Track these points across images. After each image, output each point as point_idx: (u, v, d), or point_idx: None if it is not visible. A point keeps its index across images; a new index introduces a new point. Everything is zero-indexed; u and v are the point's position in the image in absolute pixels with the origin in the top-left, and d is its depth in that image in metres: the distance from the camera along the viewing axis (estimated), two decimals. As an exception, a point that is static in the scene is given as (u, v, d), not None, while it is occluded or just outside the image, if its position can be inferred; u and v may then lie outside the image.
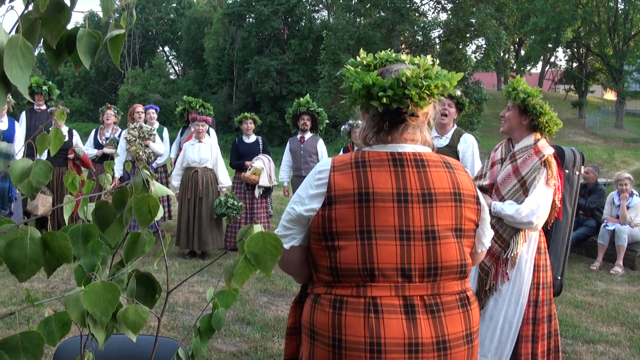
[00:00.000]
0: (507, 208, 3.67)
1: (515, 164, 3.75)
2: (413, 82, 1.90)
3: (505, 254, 3.71)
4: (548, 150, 3.72)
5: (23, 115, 8.76)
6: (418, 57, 2.05)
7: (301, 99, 8.38)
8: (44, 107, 8.87)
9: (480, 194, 2.12)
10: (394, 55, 2.12)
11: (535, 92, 3.75)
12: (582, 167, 3.82)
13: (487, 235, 2.18)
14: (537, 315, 3.72)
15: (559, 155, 3.83)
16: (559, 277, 3.86)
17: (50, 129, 1.13)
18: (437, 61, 2.06)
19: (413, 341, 1.87)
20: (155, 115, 9.67)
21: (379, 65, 2.10)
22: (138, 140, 8.58)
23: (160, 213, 1.07)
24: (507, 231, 3.71)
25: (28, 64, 0.90)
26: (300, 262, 2.11)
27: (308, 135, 8.29)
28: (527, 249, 3.73)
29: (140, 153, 8.54)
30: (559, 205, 3.73)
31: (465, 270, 2.03)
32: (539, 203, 3.62)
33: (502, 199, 3.76)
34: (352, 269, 1.91)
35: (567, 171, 3.79)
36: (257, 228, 1.10)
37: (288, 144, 8.46)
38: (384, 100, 1.92)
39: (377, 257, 1.90)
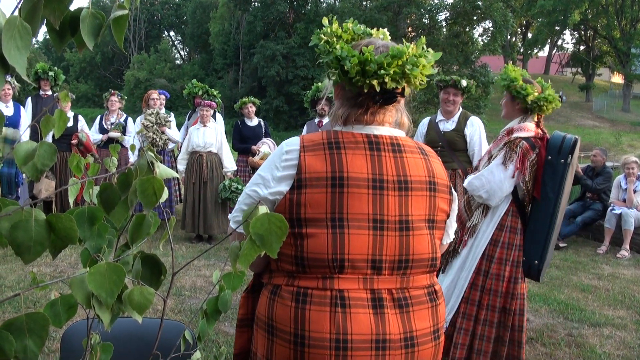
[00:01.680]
0: (466, 179, 3.95)
1: (493, 144, 4.02)
2: (412, 62, 1.77)
3: (469, 223, 3.96)
4: (521, 134, 3.85)
5: (29, 100, 8.78)
6: (381, 30, 1.94)
7: (319, 83, 8.33)
8: (49, 92, 8.88)
9: (451, 185, 2.04)
10: (361, 28, 1.95)
11: (516, 75, 3.92)
12: (571, 155, 3.75)
13: (452, 227, 2.09)
14: (485, 284, 3.94)
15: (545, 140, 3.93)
16: (536, 262, 3.86)
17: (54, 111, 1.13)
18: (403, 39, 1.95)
19: (381, 337, 1.76)
20: (164, 102, 9.67)
21: (351, 39, 1.92)
22: (155, 126, 8.60)
23: (165, 195, 1.07)
24: (475, 203, 3.95)
25: (26, 44, 0.90)
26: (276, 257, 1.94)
27: (326, 119, 8.26)
28: (489, 222, 3.94)
29: (157, 139, 8.56)
30: (524, 188, 3.86)
31: (435, 264, 1.92)
32: (488, 179, 3.81)
33: None
34: (321, 259, 1.76)
35: (549, 157, 3.79)
36: (262, 209, 1.09)
37: (306, 127, 8.44)
38: (387, 79, 1.76)
39: (349, 247, 1.76)
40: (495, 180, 3.79)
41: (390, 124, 1.94)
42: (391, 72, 1.76)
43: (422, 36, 1.94)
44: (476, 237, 3.94)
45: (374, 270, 1.79)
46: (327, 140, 1.86)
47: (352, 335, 1.74)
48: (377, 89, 1.79)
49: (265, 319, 1.88)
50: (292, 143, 1.88)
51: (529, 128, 3.87)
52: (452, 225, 2.08)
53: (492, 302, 3.92)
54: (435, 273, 2.00)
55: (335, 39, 1.87)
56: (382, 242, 1.80)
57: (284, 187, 1.81)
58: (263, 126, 9.24)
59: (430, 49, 1.88)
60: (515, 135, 3.84)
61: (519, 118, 3.92)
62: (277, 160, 1.86)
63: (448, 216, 2.00)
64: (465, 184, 3.93)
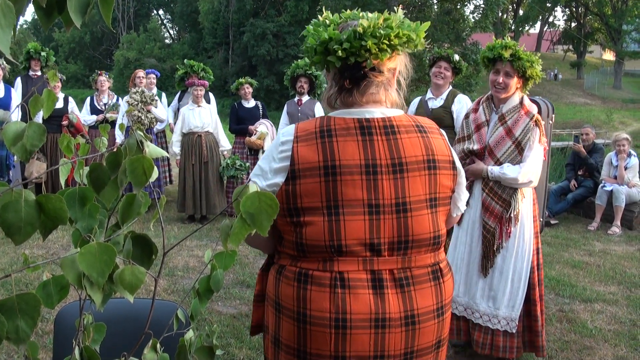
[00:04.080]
0: (509, 171, 3.78)
1: (506, 126, 3.85)
2: (370, 32, 1.77)
3: (508, 213, 3.83)
4: (534, 109, 3.88)
5: (18, 81, 8.68)
6: (389, 13, 1.89)
7: (299, 61, 8.29)
8: (39, 73, 8.83)
9: (456, 157, 2.02)
10: (361, 14, 1.95)
11: (535, 58, 3.86)
12: (553, 115, 4.11)
13: (462, 199, 2.09)
14: (539, 261, 3.96)
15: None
16: (541, 219, 4.14)
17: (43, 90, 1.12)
18: (404, 16, 1.90)
19: (380, 316, 1.81)
20: (155, 81, 9.62)
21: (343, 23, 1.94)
22: (140, 105, 8.55)
23: (155, 174, 1.06)
24: (506, 191, 3.84)
25: (9, 23, 0.88)
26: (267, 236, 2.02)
27: (305, 98, 8.22)
28: (527, 203, 3.91)
29: (143, 118, 8.51)
30: (545, 159, 3.92)
31: (439, 241, 1.94)
32: (536, 162, 3.78)
33: (497, 161, 3.86)
34: (319, 245, 1.82)
35: (542, 122, 3.88)
36: (253, 187, 1.09)
37: (286, 106, 8.40)
38: (340, 53, 1.79)
39: (345, 233, 1.80)
40: (541, 160, 3.80)
41: (380, 103, 1.93)
42: (346, 46, 1.78)
43: (398, 9, 1.90)
44: (521, 222, 3.86)
45: (373, 252, 1.83)
46: (320, 128, 1.88)
47: (351, 314, 1.80)
48: (337, 64, 1.82)
49: (273, 297, 1.97)
50: (288, 133, 1.92)
51: (531, 103, 3.93)
52: (461, 198, 2.09)
53: (541, 275, 4.02)
54: (441, 250, 2.02)
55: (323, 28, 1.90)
56: (379, 226, 1.82)
57: (280, 179, 1.86)
58: (260, 108, 9.19)
59: (407, 19, 1.88)
60: (532, 112, 3.84)
61: (517, 94, 3.90)
62: (275, 151, 1.91)
63: (453, 191, 2.01)
64: (514, 176, 3.75)
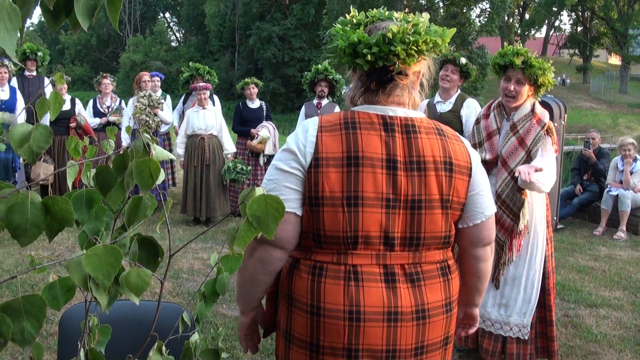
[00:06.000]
0: (544, 181, 3.64)
1: (519, 136, 3.76)
2: (400, 38, 1.80)
3: (518, 227, 3.75)
4: (545, 116, 3.78)
5: (14, 81, 8.69)
6: (412, 14, 1.92)
7: (319, 65, 8.26)
8: (34, 73, 8.90)
9: (475, 165, 2.00)
10: (386, 13, 1.99)
11: (547, 66, 3.76)
12: (565, 115, 3.98)
13: (486, 203, 2.02)
14: (553, 266, 3.93)
15: (547, 109, 3.90)
16: (555, 217, 4.06)
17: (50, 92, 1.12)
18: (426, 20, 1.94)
19: (393, 310, 1.84)
20: (159, 83, 9.63)
21: (369, 23, 1.97)
22: (147, 108, 8.56)
23: (161, 177, 1.06)
24: (516, 205, 3.74)
25: (15, 26, 0.89)
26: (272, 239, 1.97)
27: (325, 101, 8.20)
28: (540, 208, 3.84)
29: (150, 121, 8.51)
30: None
31: (450, 241, 1.97)
32: (553, 171, 3.66)
33: (511, 172, 3.74)
34: (336, 236, 1.84)
35: (555, 124, 3.86)
36: (259, 191, 1.09)
37: (304, 108, 8.37)
38: (369, 57, 1.82)
39: (363, 224, 1.83)
40: (555, 166, 3.71)
41: (404, 105, 1.96)
42: (375, 50, 1.81)
43: (423, 13, 1.93)
44: (535, 228, 3.81)
45: (387, 246, 1.86)
46: (344, 120, 1.91)
47: (364, 307, 1.83)
48: (365, 68, 1.86)
49: (287, 291, 1.98)
50: (312, 122, 1.95)
51: (543, 110, 3.85)
52: (485, 203, 2.02)
53: (554, 280, 3.98)
54: (449, 248, 2.04)
55: (349, 27, 1.94)
56: (394, 220, 1.86)
57: (306, 162, 1.87)
58: (265, 109, 9.18)
59: (433, 24, 1.90)
60: (544, 120, 3.74)
61: (528, 101, 3.79)
62: (302, 136, 1.92)
63: (465, 197, 1.98)
64: (533, 181, 3.55)
